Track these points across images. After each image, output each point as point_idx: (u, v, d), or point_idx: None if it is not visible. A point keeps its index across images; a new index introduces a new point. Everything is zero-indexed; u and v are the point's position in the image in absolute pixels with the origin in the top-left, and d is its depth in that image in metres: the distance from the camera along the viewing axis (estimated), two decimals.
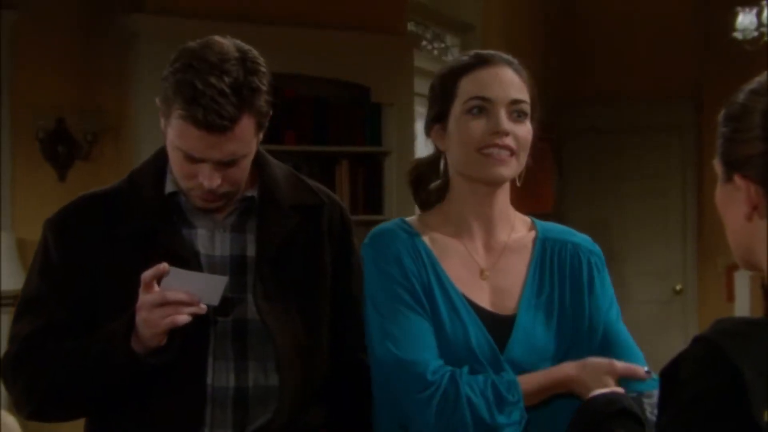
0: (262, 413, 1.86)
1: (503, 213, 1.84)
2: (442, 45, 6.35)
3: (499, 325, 1.77)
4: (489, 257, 1.82)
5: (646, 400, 1.64)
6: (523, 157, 1.79)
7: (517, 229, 1.87)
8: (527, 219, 1.90)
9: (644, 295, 7.20)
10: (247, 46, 1.81)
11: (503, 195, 1.83)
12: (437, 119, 1.83)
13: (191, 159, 1.78)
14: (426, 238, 1.82)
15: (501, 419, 1.68)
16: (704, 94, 6.95)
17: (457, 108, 1.79)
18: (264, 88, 1.78)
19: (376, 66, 5.24)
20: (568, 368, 1.74)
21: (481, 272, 1.81)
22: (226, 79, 1.72)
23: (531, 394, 1.72)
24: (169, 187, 1.88)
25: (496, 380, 1.71)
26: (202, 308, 1.74)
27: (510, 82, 1.79)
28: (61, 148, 4.58)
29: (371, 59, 5.22)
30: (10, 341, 1.88)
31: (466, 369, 1.72)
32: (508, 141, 1.76)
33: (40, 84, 4.51)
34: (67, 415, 1.91)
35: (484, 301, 1.79)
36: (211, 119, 1.72)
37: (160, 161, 1.90)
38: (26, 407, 1.87)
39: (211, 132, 1.73)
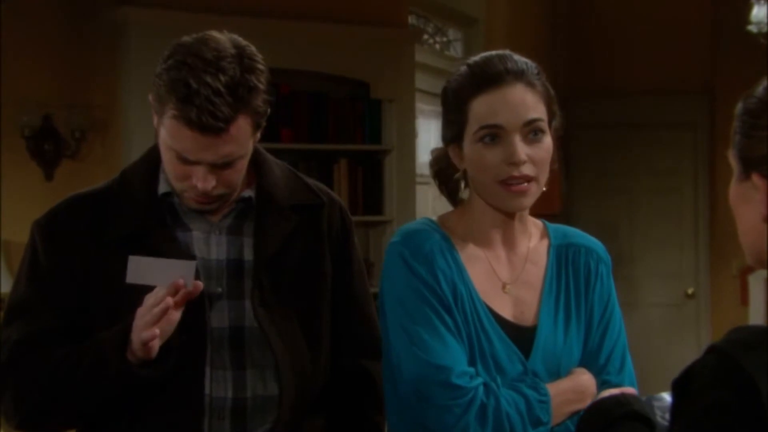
0: (260, 423, 1.87)
1: (523, 224, 1.86)
2: (445, 39, 6.35)
3: (521, 337, 1.79)
4: (511, 270, 1.84)
5: (656, 404, 1.64)
6: (544, 177, 1.78)
7: (533, 237, 1.88)
8: (539, 223, 1.91)
9: (655, 298, 7.19)
10: (244, 42, 1.80)
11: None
12: (452, 140, 1.82)
13: (185, 160, 1.77)
14: (456, 242, 1.82)
15: None
16: (717, 88, 6.95)
17: (469, 134, 1.77)
18: (261, 86, 1.77)
19: (376, 61, 5.24)
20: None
21: (504, 286, 1.82)
22: (222, 78, 1.71)
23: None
24: (162, 188, 1.88)
25: (530, 396, 1.73)
26: (168, 302, 1.72)
27: (521, 102, 1.75)
28: (47, 146, 4.57)
29: (371, 54, 5.22)
30: None
31: (499, 381, 1.74)
32: (526, 170, 1.74)
33: (25, 79, 4.50)
34: (59, 425, 1.91)
35: (506, 313, 1.81)
36: (205, 120, 1.71)
37: (152, 160, 1.89)
38: (15, 417, 1.86)
39: (204, 133, 1.72)
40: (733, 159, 1.29)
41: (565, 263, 1.86)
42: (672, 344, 6.97)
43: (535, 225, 1.90)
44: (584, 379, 1.80)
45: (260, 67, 1.77)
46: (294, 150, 5.04)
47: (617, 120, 7.27)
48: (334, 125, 5.22)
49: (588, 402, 1.77)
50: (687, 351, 6.70)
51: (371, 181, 5.31)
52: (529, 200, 1.77)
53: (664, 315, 7.19)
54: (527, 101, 1.75)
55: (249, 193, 1.91)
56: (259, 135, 1.84)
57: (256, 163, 1.93)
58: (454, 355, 1.72)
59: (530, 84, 1.76)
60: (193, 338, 1.81)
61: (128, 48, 4.54)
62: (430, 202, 5.71)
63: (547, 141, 1.77)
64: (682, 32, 7.05)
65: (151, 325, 1.71)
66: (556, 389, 1.76)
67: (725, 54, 6.90)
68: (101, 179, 1.98)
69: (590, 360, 1.82)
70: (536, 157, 1.75)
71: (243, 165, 1.83)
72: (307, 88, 5.16)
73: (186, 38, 1.79)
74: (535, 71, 1.79)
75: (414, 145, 5.40)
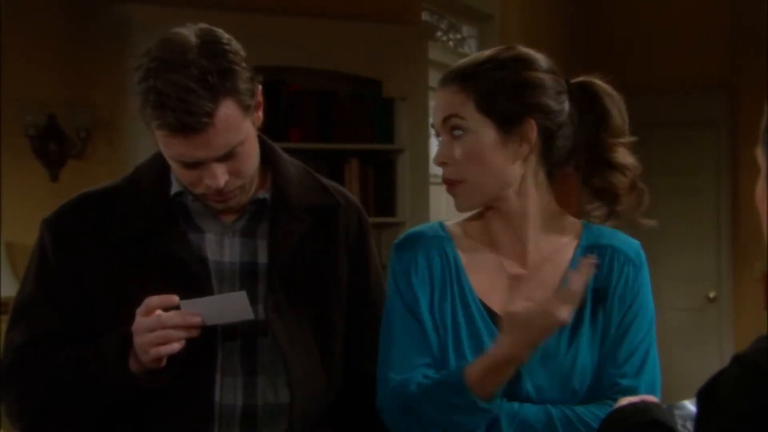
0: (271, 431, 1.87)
1: (550, 222, 1.85)
2: (458, 36, 6.35)
3: None
4: (523, 270, 1.81)
5: (677, 412, 1.64)
6: (477, 177, 1.76)
7: (564, 237, 1.87)
8: (577, 223, 1.90)
9: (675, 302, 7.15)
10: (207, 28, 1.78)
11: (532, 207, 1.83)
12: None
13: (186, 165, 1.77)
14: (457, 245, 1.82)
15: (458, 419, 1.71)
16: (739, 85, 6.92)
17: None
18: (237, 67, 1.74)
19: (388, 58, 5.25)
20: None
21: (510, 285, 1.80)
22: (189, 73, 1.69)
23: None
24: (175, 187, 1.88)
25: (445, 381, 1.73)
26: (193, 333, 1.73)
27: (445, 102, 1.78)
28: (52, 146, 4.59)
29: (383, 51, 5.22)
30: (4, 350, 1.88)
31: (432, 373, 1.75)
32: (446, 172, 1.78)
33: (28, 77, 4.52)
34: (63, 429, 1.91)
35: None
36: (185, 120, 1.69)
37: (164, 159, 1.88)
38: (19, 420, 1.88)
39: (190, 133, 1.71)
40: (761, 157, 1.28)
41: None
42: (693, 350, 6.94)
43: (570, 224, 1.89)
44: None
45: (227, 47, 1.75)
46: (302, 150, 5.02)
47: (635, 118, 7.21)
48: (345, 124, 5.21)
49: (511, 371, 1.71)
50: (709, 357, 6.67)
51: (383, 181, 5.31)
52: (461, 201, 1.80)
53: (685, 320, 7.16)
54: (450, 101, 1.77)
55: (263, 194, 1.91)
56: (260, 115, 1.83)
57: (271, 162, 1.93)
58: (410, 369, 1.76)
59: (464, 82, 1.76)
60: (204, 345, 1.80)
61: (133, 46, 4.54)
62: (444, 203, 5.71)
63: (470, 140, 1.76)
64: (703, 26, 7.03)
65: (157, 345, 1.72)
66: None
67: (747, 49, 6.88)
68: (107, 179, 1.99)
69: (605, 361, 1.80)
70: (457, 157, 1.76)
71: (249, 151, 1.81)
72: (317, 86, 5.16)
73: (151, 44, 1.78)
74: (481, 70, 1.76)
75: (427, 145, 5.39)
